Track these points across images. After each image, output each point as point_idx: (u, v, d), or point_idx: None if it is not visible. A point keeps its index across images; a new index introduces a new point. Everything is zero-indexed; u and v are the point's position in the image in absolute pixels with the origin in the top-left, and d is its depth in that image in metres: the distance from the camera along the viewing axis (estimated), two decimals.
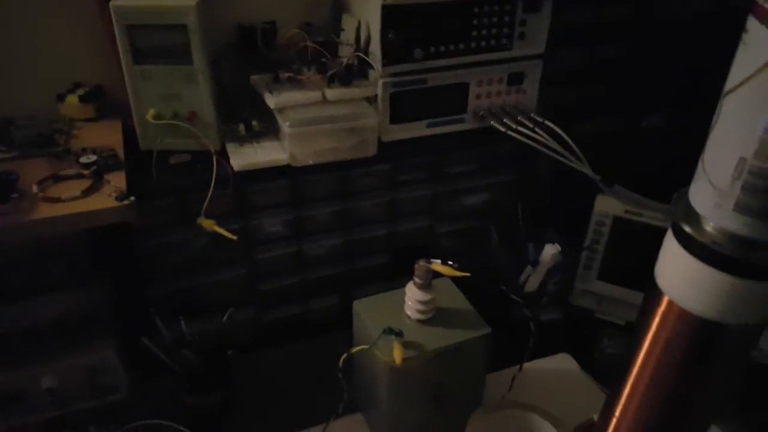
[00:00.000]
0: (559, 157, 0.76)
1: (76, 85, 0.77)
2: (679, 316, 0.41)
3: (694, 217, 0.38)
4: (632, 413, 0.47)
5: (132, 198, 0.60)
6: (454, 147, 0.84)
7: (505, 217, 0.91)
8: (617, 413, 0.49)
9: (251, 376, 0.81)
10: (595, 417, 0.65)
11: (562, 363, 0.85)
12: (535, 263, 0.84)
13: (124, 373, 0.73)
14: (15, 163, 0.66)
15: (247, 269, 0.81)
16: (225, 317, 0.75)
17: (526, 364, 0.73)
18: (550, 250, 0.81)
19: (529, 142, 0.75)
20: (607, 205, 0.86)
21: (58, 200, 0.60)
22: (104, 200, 0.60)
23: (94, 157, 0.64)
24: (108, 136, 0.72)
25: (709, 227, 0.37)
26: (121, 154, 0.68)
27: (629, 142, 1.06)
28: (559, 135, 0.75)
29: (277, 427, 0.73)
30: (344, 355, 0.63)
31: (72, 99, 0.74)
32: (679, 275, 0.40)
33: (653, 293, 0.42)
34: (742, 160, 0.34)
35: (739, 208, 0.35)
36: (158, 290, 0.77)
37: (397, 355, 0.61)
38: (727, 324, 0.39)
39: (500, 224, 0.90)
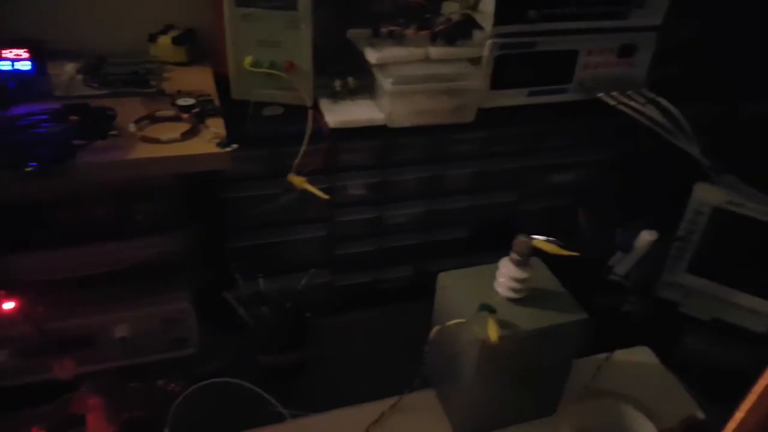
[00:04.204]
0: (669, 137, 0.71)
1: (168, 27, 0.74)
2: None
3: None
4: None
5: (235, 145, 0.57)
6: (554, 119, 0.79)
7: (594, 198, 0.86)
8: None
9: (323, 340, 0.79)
10: (700, 414, 0.61)
11: (641, 356, 0.81)
12: (625, 248, 0.79)
13: (197, 328, 0.71)
14: (108, 101, 0.63)
15: (327, 231, 0.79)
16: (304, 279, 0.72)
17: (602, 355, 0.69)
18: (647, 237, 0.76)
19: (640, 117, 0.70)
20: (707, 194, 0.80)
21: (157, 141, 0.58)
22: (204, 145, 0.58)
23: (192, 101, 0.62)
24: (200, 81, 0.70)
25: None
26: (216, 100, 0.66)
27: (728, 130, 0.99)
28: (670, 114, 0.70)
29: (347, 395, 0.71)
30: (436, 328, 0.60)
31: (164, 40, 0.72)
32: None
33: None
34: None
35: None
36: (238, 244, 0.75)
37: (493, 332, 0.58)
38: None
39: (589, 206, 0.85)
